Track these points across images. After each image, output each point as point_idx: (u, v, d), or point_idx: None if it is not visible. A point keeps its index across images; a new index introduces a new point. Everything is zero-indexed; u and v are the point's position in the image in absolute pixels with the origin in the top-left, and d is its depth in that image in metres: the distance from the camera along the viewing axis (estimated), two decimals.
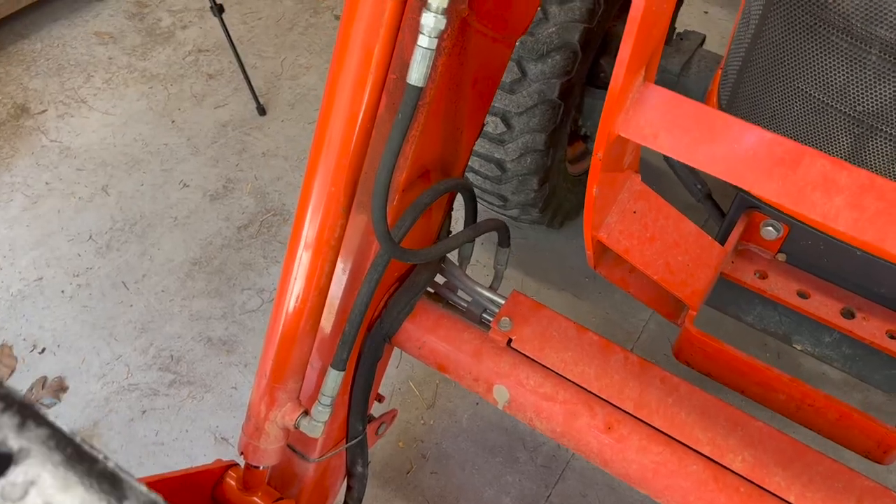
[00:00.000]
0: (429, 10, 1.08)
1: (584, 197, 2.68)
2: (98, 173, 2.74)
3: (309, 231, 1.26)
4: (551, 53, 1.98)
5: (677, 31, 2.36)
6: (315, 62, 3.24)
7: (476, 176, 2.27)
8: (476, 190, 2.37)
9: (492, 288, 1.64)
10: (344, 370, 1.36)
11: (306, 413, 1.39)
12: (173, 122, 2.94)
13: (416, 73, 1.11)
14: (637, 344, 2.40)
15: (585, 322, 2.49)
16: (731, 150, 1.03)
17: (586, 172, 2.61)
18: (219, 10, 2.77)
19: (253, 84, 2.98)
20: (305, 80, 3.16)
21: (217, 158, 2.83)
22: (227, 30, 2.81)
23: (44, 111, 2.94)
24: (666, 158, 1.57)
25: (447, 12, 1.09)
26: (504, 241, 1.60)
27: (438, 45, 1.21)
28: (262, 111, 2.98)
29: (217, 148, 2.86)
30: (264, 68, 3.18)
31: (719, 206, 2.04)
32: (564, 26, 1.96)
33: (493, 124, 2.10)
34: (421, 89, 1.13)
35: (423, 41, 1.09)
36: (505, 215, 2.52)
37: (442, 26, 1.09)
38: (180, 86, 3.08)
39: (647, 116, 1.07)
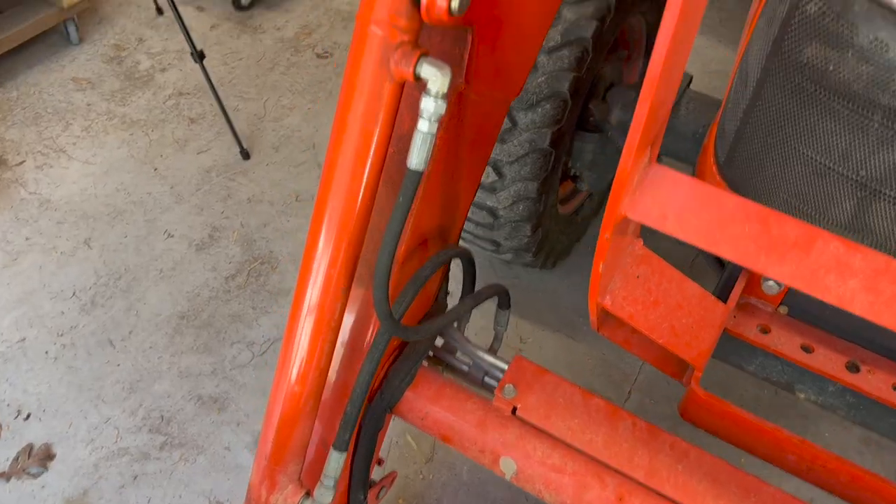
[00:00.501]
0: (428, 94, 1.05)
1: (574, 236, 2.67)
2: (80, 226, 2.69)
3: (308, 312, 1.22)
4: (541, 103, 1.97)
5: None
6: (298, 102, 3.21)
7: (468, 222, 2.25)
8: (469, 235, 2.35)
9: (492, 349, 1.62)
10: (347, 450, 1.33)
11: (308, 494, 1.35)
12: (155, 169, 2.89)
13: (417, 158, 1.08)
14: (634, 385, 2.38)
15: (582, 363, 2.47)
16: (742, 232, 1.01)
17: (576, 211, 2.60)
18: (199, 56, 2.73)
19: (236, 127, 2.94)
20: (289, 122, 3.12)
21: (202, 206, 2.78)
22: (208, 76, 2.77)
23: (22, 162, 2.88)
24: None
25: (447, 96, 1.06)
26: (504, 303, 1.57)
27: None
28: (245, 155, 2.94)
29: (201, 195, 2.82)
30: (247, 110, 3.15)
31: None
32: (554, 75, 1.95)
33: (484, 173, 2.08)
34: (422, 173, 1.10)
35: (423, 126, 1.07)
36: (498, 259, 2.50)
37: (442, 111, 1.06)
38: (161, 131, 3.03)
39: (654, 198, 1.05)
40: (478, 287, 1.56)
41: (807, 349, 1.57)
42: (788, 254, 0.99)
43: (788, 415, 2.32)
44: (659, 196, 1.05)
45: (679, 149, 2.12)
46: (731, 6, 3.67)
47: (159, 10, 3.52)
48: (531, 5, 1.31)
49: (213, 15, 3.61)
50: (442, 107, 1.06)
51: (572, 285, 2.65)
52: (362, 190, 1.15)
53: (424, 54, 1.06)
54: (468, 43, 1.19)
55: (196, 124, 3.07)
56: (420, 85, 1.07)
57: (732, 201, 1.02)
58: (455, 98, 1.27)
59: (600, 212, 2.79)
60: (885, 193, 1.23)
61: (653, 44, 2.53)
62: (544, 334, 2.50)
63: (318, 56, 3.44)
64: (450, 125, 1.30)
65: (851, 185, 1.26)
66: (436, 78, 1.04)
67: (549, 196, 2.19)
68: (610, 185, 2.81)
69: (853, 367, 1.54)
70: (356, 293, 1.39)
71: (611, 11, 1.99)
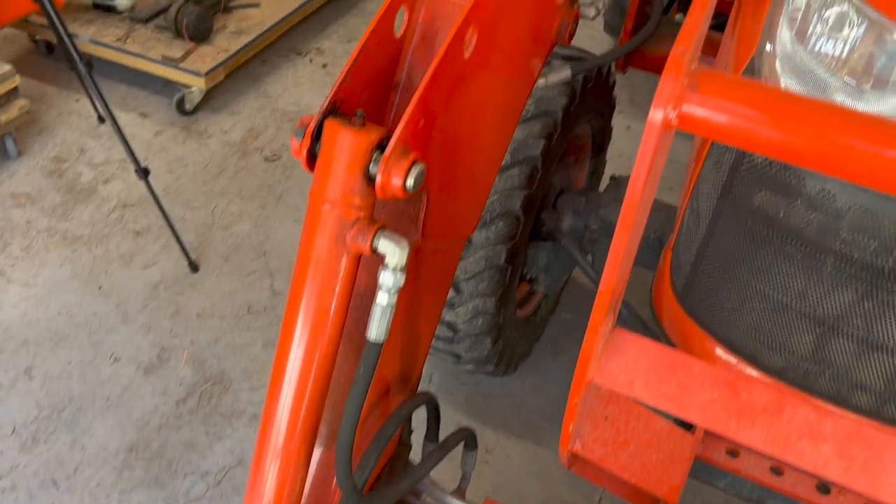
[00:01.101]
0: (387, 268, 1.03)
1: (533, 337, 2.65)
2: (20, 354, 2.56)
3: (268, 487, 1.16)
4: (494, 221, 1.97)
5: (612, 174, 2.40)
6: (247, 208, 3.16)
7: None
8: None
9: (460, 490, 1.56)
10: None
11: None
12: (100, 287, 2.79)
13: (377, 330, 1.06)
14: (604, 493, 2.34)
15: (549, 470, 2.42)
16: (711, 398, 1.00)
17: (534, 313, 2.59)
18: (144, 173, 2.68)
19: (184, 238, 2.87)
20: (238, 229, 3.07)
21: (149, 325, 2.69)
22: (153, 193, 2.72)
23: None
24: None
25: (406, 267, 1.04)
26: (471, 444, 1.53)
27: None
28: (194, 267, 2.87)
29: (149, 313, 2.72)
30: (194, 220, 3.09)
31: None
32: (505, 194, 1.96)
33: None
34: (382, 344, 1.07)
35: (383, 299, 1.04)
36: (460, 368, 2.46)
37: (402, 283, 1.04)
38: (106, 246, 2.95)
39: (620, 364, 1.04)
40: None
41: (776, 471, 1.56)
42: (759, 419, 0.98)
43: None
44: (625, 362, 1.03)
45: None
46: (638, 85, 3.79)
47: (101, 119, 3.47)
48: (483, 158, 1.32)
49: (157, 121, 3.57)
50: (401, 279, 1.04)
51: (534, 387, 2.62)
52: (318, 364, 1.10)
53: (382, 228, 1.04)
54: (423, 203, 1.18)
55: (142, 237, 2.99)
56: (378, 257, 1.05)
57: (699, 367, 1.01)
58: (412, 253, 1.25)
59: (557, 309, 2.79)
60: (843, 330, 1.24)
61: (599, 145, 2.60)
62: (510, 442, 2.45)
63: (267, 159, 3.42)
64: (407, 276, 1.27)
65: (809, 321, 1.27)
66: (394, 252, 1.03)
67: (507, 308, 2.18)
68: (564, 285, 2.79)
69: (823, 489, 1.53)
70: (315, 453, 1.33)
71: (557, 128, 2.03)
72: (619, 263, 0.89)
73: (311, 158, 1.03)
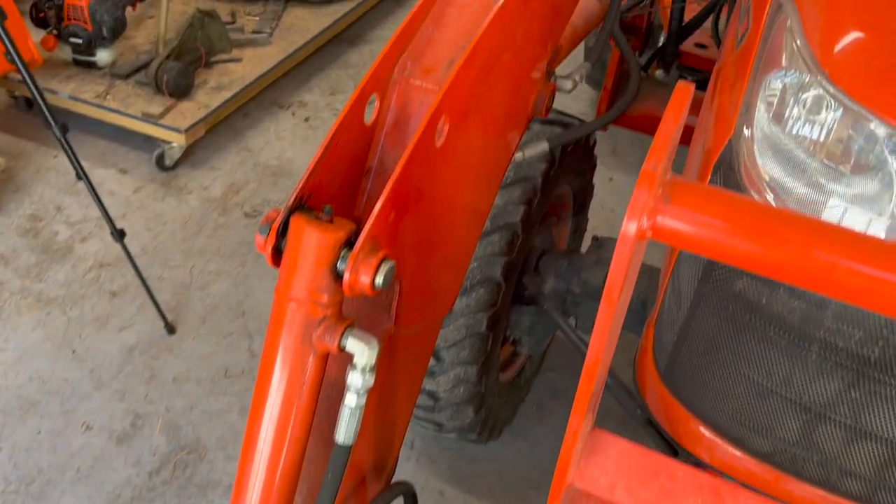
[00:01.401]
0: (355, 369, 0.99)
1: (518, 400, 2.60)
2: None
3: None
4: (475, 288, 1.94)
5: (594, 235, 2.38)
6: (226, 267, 3.11)
7: None
8: None
9: None
10: None
11: None
12: (74, 352, 2.72)
13: (346, 433, 1.01)
14: None
15: None
16: (696, 503, 0.96)
17: (518, 376, 2.54)
18: (120, 235, 2.64)
19: (161, 298, 2.81)
20: (216, 289, 3.02)
21: (123, 391, 2.61)
22: (129, 254, 2.67)
23: None
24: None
25: (375, 367, 1.00)
26: None
27: None
28: (171, 329, 2.81)
29: (123, 378, 2.65)
30: (172, 279, 3.03)
31: (660, 432, 1.98)
32: (485, 261, 1.93)
33: None
34: (351, 447, 1.02)
35: (351, 400, 1.00)
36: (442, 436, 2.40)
37: (371, 384, 1.00)
38: (81, 308, 2.88)
39: (601, 467, 0.99)
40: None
41: None
42: None
43: None
44: (606, 465, 0.99)
45: None
46: (620, 137, 3.78)
47: (79, 176, 3.41)
48: (459, 239, 1.29)
49: (137, 177, 3.53)
50: (370, 380, 1.00)
51: (520, 452, 2.56)
52: (286, 462, 1.05)
53: (350, 326, 1.00)
54: (396, 291, 1.15)
55: (118, 298, 2.93)
56: (346, 358, 1.00)
57: (682, 471, 0.97)
58: (385, 343, 1.20)
59: (541, 370, 2.74)
60: (830, 418, 1.20)
61: (580, 203, 2.59)
62: None
63: (247, 215, 3.38)
64: (381, 364, 1.23)
65: (796, 407, 1.23)
66: (363, 352, 0.99)
67: (489, 375, 2.13)
68: (547, 347, 2.73)
69: None
70: None
71: (537, 193, 2.01)
72: (598, 367, 0.85)
73: (277, 254, 1.00)
